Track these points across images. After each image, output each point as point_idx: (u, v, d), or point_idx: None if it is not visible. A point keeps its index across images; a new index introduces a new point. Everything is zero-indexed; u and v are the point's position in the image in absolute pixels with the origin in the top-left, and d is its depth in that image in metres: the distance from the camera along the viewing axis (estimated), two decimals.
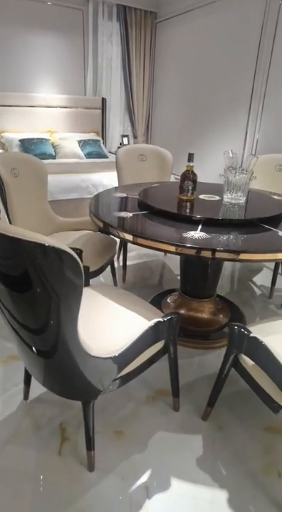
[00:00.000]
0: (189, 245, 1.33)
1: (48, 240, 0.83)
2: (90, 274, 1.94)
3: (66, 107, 4.73)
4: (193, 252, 1.32)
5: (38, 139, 4.18)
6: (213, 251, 1.30)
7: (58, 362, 1.08)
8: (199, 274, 2.02)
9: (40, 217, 2.16)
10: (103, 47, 4.78)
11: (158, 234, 1.43)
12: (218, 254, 1.30)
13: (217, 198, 1.93)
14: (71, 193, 3.38)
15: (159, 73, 5.10)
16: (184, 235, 1.44)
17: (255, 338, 1.16)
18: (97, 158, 4.39)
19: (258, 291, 2.58)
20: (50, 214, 2.24)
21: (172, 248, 1.34)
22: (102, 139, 5.11)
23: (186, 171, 1.84)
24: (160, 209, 1.67)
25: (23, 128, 4.44)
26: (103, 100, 4.98)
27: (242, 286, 2.65)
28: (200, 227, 1.53)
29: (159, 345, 1.33)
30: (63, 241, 2.00)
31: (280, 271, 2.84)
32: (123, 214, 1.68)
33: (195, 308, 2.09)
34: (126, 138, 5.30)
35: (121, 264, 2.78)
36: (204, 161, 4.54)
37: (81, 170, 3.65)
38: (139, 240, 1.40)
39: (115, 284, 2.54)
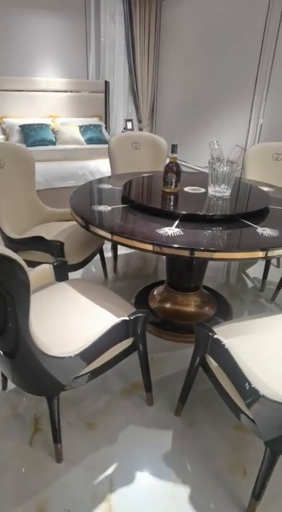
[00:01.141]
0: (151, 242, 1.30)
1: None
2: (75, 266, 1.95)
3: (68, 91, 4.65)
4: (158, 249, 1.30)
5: (38, 124, 4.14)
6: (176, 249, 1.27)
7: (20, 361, 1.09)
8: (183, 267, 2.00)
9: (27, 208, 2.16)
10: (106, 26, 4.64)
11: (129, 229, 1.41)
12: (180, 252, 1.27)
13: (202, 190, 1.88)
14: (68, 180, 3.36)
15: (164, 54, 4.94)
16: (158, 231, 1.41)
17: (218, 340, 1.14)
18: (98, 143, 4.33)
19: (250, 284, 2.54)
20: (37, 204, 2.23)
21: (139, 245, 1.32)
22: (106, 123, 5.03)
23: (170, 162, 1.79)
24: (139, 203, 1.64)
25: (24, 113, 4.41)
26: (106, 83, 4.87)
27: (234, 278, 2.62)
28: (176, 222, 1.50)
29: (127, 342, 1.33)
30: (47, 232, 2.01)
31: (275, 263, 2.78)
32: (102, 208, 1.66)
33: (180, 302, 2.07)
34: (130, 122, 5.21)
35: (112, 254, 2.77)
36: (208, 146, 4.42)
37: (79, 157, 3.62)
38: (103, 234, 1.40)
39: (106, 274, 2.55)
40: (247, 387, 1.01)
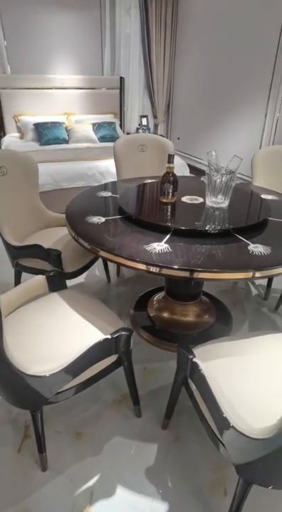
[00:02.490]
0: (135, 260, 1.30)
1: None
2: (72, 274, 1.98)
3: (83, 88, 4.65)
4: (143, 267, 1.29)
5: (51, 123, 4.18)
6: (161, 268, 1.26)
7: (1, 377, 1.13)
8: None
9: (29, 214, 2.20)
10: (121, 20, 4.58)
11: (117, 245, 1.40)
12: (165, 271, 1.26)
13: (200, 200, 1.85)
14: (77, 181, 3.39)
15: (180, 48, 4.82)
16: (146, 247, 1.40)
17: (195, 364, 1.13)
18: (111, 141, 4.30)
19: (254, 291, 2.49)
20: (40, 210, 2.27)
21: (124, 261, 1.32)
22: (120, 120, 5.01)
23: (166, 172, 1.77)
24: (131, 215, 1.63)
25: (39, 111, 4.45)
26: (121, 79, 4.83)
27: (238, 284, 2.57)
28: (167, 237, 1.49)
29: (112, 359, 1.34)
30: (47, 239, 2.04)
31: None
32: (96, 219, 1.66)
33: (178, 312, 2.06)
34: (145, 118, 5.16)
35: None
36: (224, 142, 4.34)
37: (90, 157, 3.63)
38: (91, 248, 1.41)
39: (109, 278, 2.57)
40: (219, 416, 1.00)
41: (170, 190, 1.77)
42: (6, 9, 4.06)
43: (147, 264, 1.30)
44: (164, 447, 1.45)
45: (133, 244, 1.44)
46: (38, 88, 4.41)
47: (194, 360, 1.15)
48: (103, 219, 1.67)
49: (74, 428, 1.52)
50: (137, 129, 5.12)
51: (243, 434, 0.92)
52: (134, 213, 1.65)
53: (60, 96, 4.54)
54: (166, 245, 1.42)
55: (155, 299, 2.22)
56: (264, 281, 2.52)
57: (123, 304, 2.34)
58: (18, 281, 2.10)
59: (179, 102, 5.11)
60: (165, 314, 2.08)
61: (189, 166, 4.47)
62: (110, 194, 2.02)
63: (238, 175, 3.77)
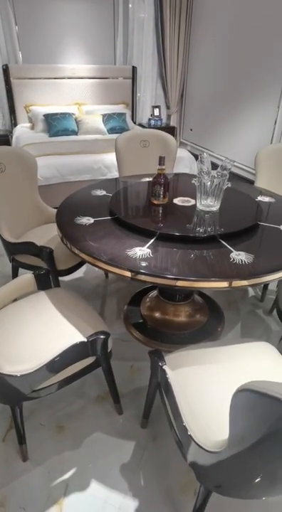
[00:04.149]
0: (114, 264, 1.32)
1: None
2: (65, 272, 2.02)
3: (95, 77, 4.62)
4: (122, 272, 1.31)
5: (61, 114, 4.19)
6: (136, 273, 1.28)
7: None
8: None
9: (28, 210, 2.24)
10: (135, 8, 4.48)
11: (99, 249, 1.42)
12: (141, 278, 1.28)
13: (192, 202, 1.84)
14: (83, 174, 3.41)
15: (195, 37, 4.69)
16: (128, 251, 1.42)
17: (164, 371, 1.16)
18: (120, 133, 4.28)
19: (251, 292, 2.47)
20: (40, 206, 2.31)
21: (104, 266, 1.35)
22: (132, 110, 4.96)
23: (158, 174, 1.76)
24: (119, 217, 1.65)
25: (50, 101, 4.46)
26: (134, 69, 4.77)
27: None
28: (151, 242, 1.50)
29: (89, 360, 1.38)
30: (42, 236, 2.09)
31: None
32: (85, 220, 1.69)
33: (170, 312, 2.08)
34: (157, 109, 5.08)
35: None
36: (236, 134, 4.24)
37: (97, 149, 3.62)
38: (75, 251, 1.44)
39: (107, 274, 2.60)
40: (179, 423, 1.03)
41: (161, 192, 1.77)
42: None
43: (123, 269, 1.31)
44: (141, 445, 1.50)
45: (116, 247, 1.45)
46: (49, 78, 4.41)
47: (164, 367, 1.17)
48: (92, 220, 1.69)
49: (57, 422, 1.59)
50: (149, 119, 5.06)
51: (197, 445, 0.95)
52: (122, 215, 1.67)
53: (72, 86, 4.53)
54: (149, 250, 1.43)
55: (148, 297, 2.24)
56: None
57: (119, 300, 2.37)
58: (15, 275, 2.17)
59: (192, 92, 4.99)
60: (157, 314, 2.10)
61: None
62: (104, 193, 2.03)
63: (247, 169, 3.64)
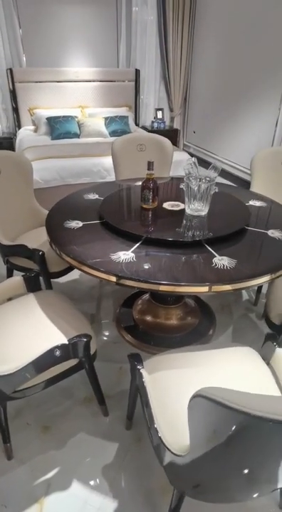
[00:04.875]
0: (97, 269, 1.34)
1: None
2: (57, 274, 2.05)
3: (98, 80, 4.66)
4: (104, 276, 1.34)
5: (64, 117, 4.23)
6: (119, 277, 1.30)
7: None
8: None
9: (24, 214, 2.28)
10: (138, 10, 4.51)
11: (84, 253, 1.45)
12: (123, 282, 1.30)
13: (181, 207, 1.85)
14: (83, 177, 3.44)
15: (198, 39, 4.69)
16: (112, 255, 1.44)
17: (141, 374, 1.17)
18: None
19: (245, 296, 2.47)
20: (36, 209, 2.35)
21: (88, 270, 1.37)
22: (135, 113, 4.99)
23: (147, 179, 1.78)
24: (106, 221, 1.67)
25: (53, 104, 4.52)
26: (137, 72, 4.79)
27: None
28: (136, 246, 1.52)
29: (72, 362, 1.41)
30: (36, 238, 2.13)
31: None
32: (74, 224, 1.71)
33: (161, 316, 2.09)
34: (160, 112, 5.10)
35: None
36: (237, 137, 4.24)
37: (97, 152, 3.66)
38: (63, 256, 1.46)
39: None
40: (152, 425, 1.04)
41: (150, 197, 1.79)
42: (22, 1, 4.11)
43: (108, 273, 1.34)
44: (124, 447, 1.51)
45: (101, 251, 1.48)
46: (53, 81, 4.46)
47: (141, 370, 1.19)
48: (81, 224, 1.72)
49: (43, 421, 1.62)
50: (153, 122, 5.08)
51: (166, 447, 0.96)
52: (109, 219, 1.69)
53: (75, 89, 4.58)
54: (133, 254, 1.45)
55: (140, 300, 2.26)
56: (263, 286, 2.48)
57: (114, 302, 2.40)
58: (10, 277, 2.21)
59: (196, 94, 5.00)
60: (148, 317, 2.12)
61: (203, 160, 4.41)
62: (97, 197, 2.06)
63: (249, 172, 3.64)
